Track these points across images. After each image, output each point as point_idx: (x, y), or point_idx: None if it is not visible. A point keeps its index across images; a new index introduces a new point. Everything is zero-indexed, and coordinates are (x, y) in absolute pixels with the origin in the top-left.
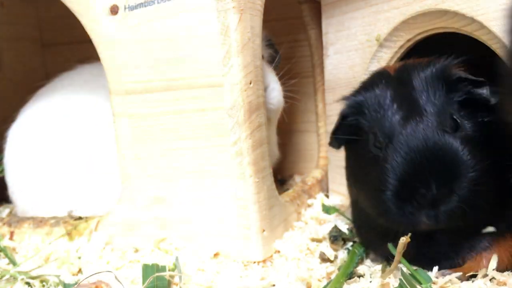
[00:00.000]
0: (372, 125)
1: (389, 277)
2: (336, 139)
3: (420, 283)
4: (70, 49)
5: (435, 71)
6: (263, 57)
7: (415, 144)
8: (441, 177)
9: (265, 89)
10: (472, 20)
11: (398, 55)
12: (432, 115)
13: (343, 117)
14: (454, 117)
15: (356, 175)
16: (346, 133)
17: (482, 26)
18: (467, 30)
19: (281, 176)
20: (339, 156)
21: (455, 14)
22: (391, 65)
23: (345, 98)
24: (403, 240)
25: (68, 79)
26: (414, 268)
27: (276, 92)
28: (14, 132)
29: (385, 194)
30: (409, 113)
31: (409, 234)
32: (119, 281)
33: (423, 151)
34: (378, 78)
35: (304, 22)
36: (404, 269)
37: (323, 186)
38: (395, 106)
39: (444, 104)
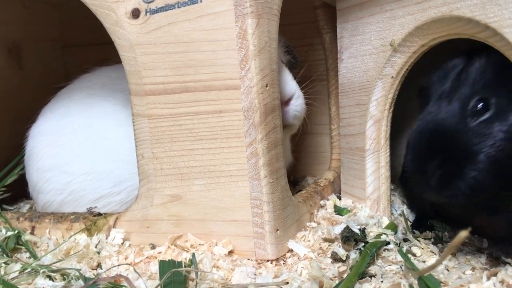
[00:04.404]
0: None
1: (401, 278)
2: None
3: None
4: (89, 50)
5: (490, 54)
6: (283, 63)
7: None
8: (436, 155)
9: (291, 97)
10: (486, 27)
11: (412, 60)
12: (458, 99)
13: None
14: (489, 100)
15: None
16: None
17: (495, 33)
18: (481, 36)
19: (294, 177)
20: (351, 158)
21: (469, 20)
22: None
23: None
24: (462, 234)
25: (87, 81)
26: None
27: (301, 100)
28: (35, 132)
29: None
30: (443, 94)
31: (469, 228)
32: (138, 274)
33: (425, 131)
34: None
35: (319, 26)
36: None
37: (336, 187)
38: (444, 85)
39: (481, 86)
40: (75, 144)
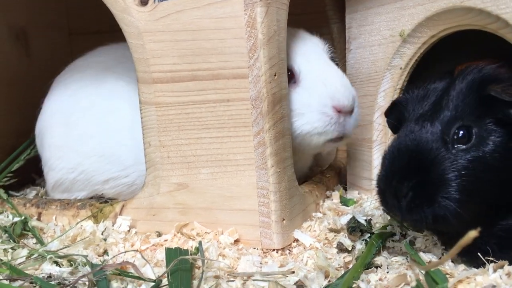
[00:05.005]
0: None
1: (407, 269)
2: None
3: (436, 283)
4: (97, 38)
5: (472, 81)
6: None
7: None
8: (412, 176)
9: (354, 106)
10: (497, 18)
11: (422, 51)
12: (440, 122)
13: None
14: (471, 129)
15: None
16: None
17: (507, 24)
18: (492, 28)
19: None
20: (358, 149)
21: (480, 11)
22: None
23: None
24: (471, 234)
25: (101, 55)
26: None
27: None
28: (48, 108)
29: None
30: (424, 115)
31: (478, 229)
32: (146, 260)
33: (405, 150)
34: (442, 76)
35: (327, 16)
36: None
37: (342, 178)
38: (423, 105)
39: (463, 113)
40: (87, 124)
